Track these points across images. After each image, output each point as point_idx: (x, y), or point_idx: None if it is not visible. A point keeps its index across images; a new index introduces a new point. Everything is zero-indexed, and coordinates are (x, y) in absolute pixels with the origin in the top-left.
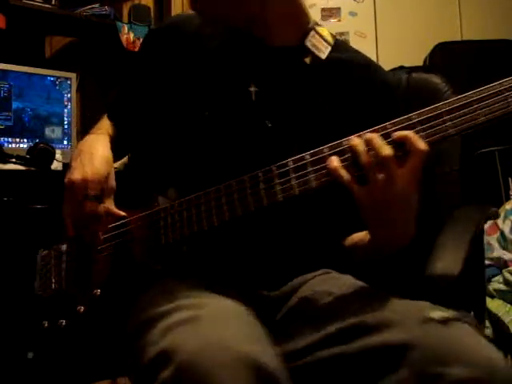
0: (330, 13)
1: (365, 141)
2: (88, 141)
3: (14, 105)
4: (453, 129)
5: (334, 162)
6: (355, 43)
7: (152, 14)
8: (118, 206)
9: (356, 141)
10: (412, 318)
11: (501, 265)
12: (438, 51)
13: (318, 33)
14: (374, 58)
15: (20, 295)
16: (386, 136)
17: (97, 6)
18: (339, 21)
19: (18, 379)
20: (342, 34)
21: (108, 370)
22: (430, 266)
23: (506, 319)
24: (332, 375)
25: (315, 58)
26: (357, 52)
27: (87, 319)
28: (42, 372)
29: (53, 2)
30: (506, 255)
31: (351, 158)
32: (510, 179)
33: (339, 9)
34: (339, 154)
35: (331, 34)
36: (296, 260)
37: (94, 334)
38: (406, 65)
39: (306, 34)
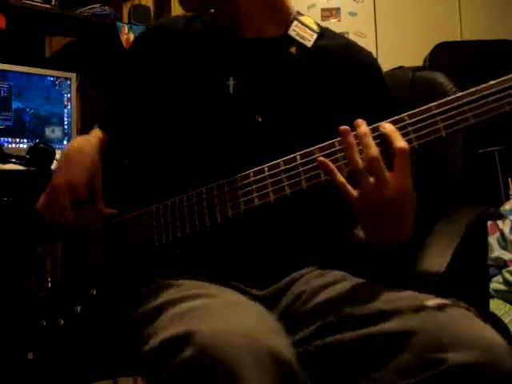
0: (329, 13)
1: (358, 135)
2: (76, 142)
3: (14, 105)
4: (444, 130)
5: (329, 164)
6: None
7: (152, 14)
8: (115, 206)
9: (350, 140)
10: (407, 307)
11: (501, 265)
12: (438, 51)
13: (301, 22)
14: None
15: (18, 294)
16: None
17: (97, 6)
18: (339, 21)
19: (18, 379)
20: (341, 34)
21: (108, 370)
22: (418, 263)
23: (506, 319)
24: (326, 364)
25: (301, 46)
26: (342, 37)
27: (83, 318)
28: (41, 372)
29: (53, 2)
30: (506, 255)
31: (343, 159)
32: (509, 179)
33: (339, 9)
34: (330, 155)
35: (316, 23)
36: (289, 257)
37: (91, 332)
38: (406, 65)
39: (288, 24)
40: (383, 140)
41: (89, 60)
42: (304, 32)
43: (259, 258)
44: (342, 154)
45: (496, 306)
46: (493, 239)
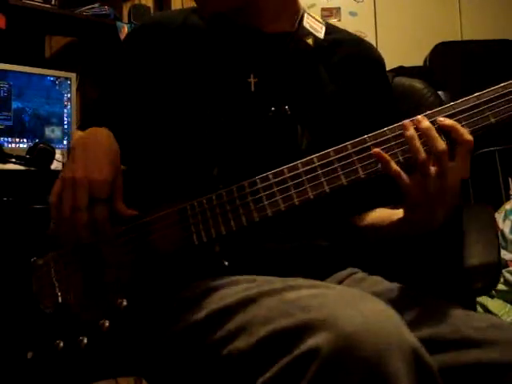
0: (329, 13)
1: (420, 129)
2: (91, 131)
3: (14, 105)
4: (494, 118)
5: (383, 153)
6: None
7: (152, 13)
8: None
9: (411, 132)
10: (502, 338)
11: (501, 265)
12: (438, 51)
13: (310, 15)
14: None
15: (21, 313)
16: (432, 123)
17: (97, 5)
18: (339, 21)
19: (18, 379)
20: None
21: (108, 370)
22: (468, 260)
23: (506, 319)
24: None
25: (316, 38)
26: (347, 32)
27: (113, 333)
28: (41, 372)
29: (53, 2)
30: (506, 255)
31: (400, 147)
32: (510, 179)
33: (339, 9)
34: (384, 142)
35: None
36: (332, 256)
37: (122, 347)
38: (406, 65)
39: (300, 18)
40: (443, 132)
41: (89, 60)
42: (315, 24)
43: (302, 256)
44: (395, 142)
45: (496, 305)
46: None
